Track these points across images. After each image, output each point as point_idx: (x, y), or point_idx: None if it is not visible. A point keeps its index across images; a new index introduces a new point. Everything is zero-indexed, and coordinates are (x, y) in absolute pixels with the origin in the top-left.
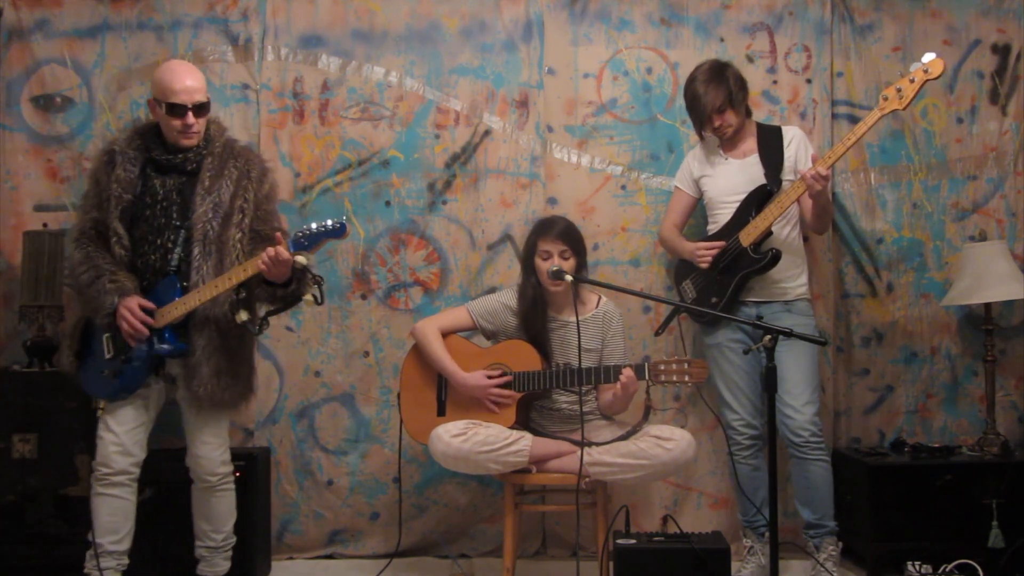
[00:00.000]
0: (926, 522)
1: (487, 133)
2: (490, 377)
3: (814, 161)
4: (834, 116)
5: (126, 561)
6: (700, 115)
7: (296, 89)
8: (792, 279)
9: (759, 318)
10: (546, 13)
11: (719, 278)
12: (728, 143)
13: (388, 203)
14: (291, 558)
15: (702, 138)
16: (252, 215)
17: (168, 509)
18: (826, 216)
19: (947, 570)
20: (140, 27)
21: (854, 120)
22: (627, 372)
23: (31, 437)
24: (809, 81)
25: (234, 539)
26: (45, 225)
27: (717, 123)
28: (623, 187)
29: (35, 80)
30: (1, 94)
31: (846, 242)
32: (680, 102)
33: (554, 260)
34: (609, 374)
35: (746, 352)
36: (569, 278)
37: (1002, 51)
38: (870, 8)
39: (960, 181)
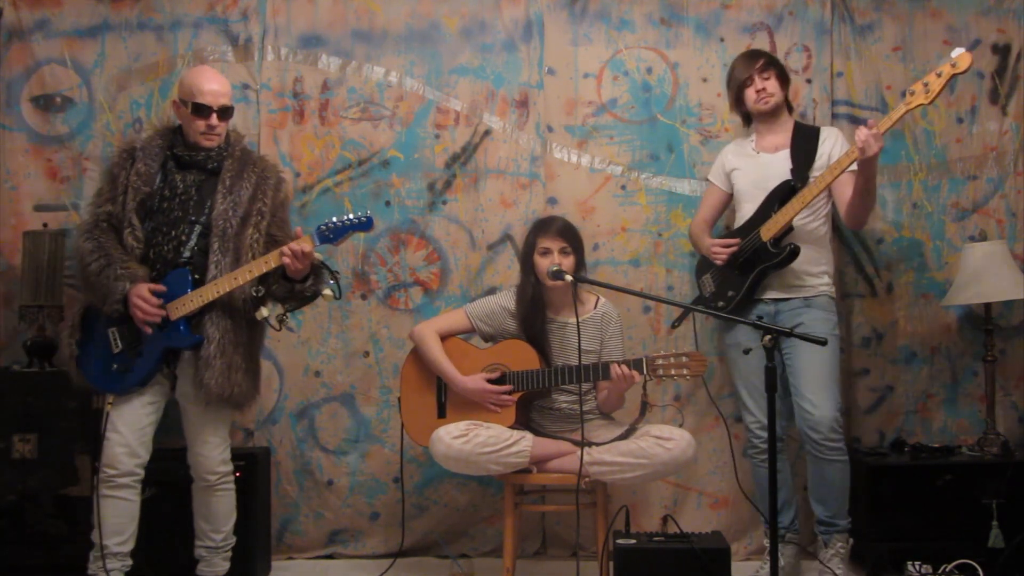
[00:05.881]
0: (926, 522)
1: (487, 133)
2: (488, 380)
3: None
4: (834, 116)
5: (130, 562)
6: (740, 74)
7: (296, 89)
8: (815, 276)
9: (759, 318)
10: (546, 13)
11: (738, 272)
12: (761, 136)
13: (388, 203)
14: (291, 558)
15: (739, 113)
16: (269, 219)
17: (168, 509)
18: (869, 197)
19: (947, 570)
20: (140, 27)
21: (854, 120)
22: (615, 368)
23: (31, 437)
24: (809, 81)
25: (233, 540)
26: (45, 225)
27: (760, 85)
28: (623, 187)
29: (35, 80)
30: (1, 94)
31: (846, 242)
32: (680, 102)
33: (554, 257)
34: (607, 370)
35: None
36: (569, 278)
37: (1002, 51)
38: (870, 8)
39: (960, 181)
